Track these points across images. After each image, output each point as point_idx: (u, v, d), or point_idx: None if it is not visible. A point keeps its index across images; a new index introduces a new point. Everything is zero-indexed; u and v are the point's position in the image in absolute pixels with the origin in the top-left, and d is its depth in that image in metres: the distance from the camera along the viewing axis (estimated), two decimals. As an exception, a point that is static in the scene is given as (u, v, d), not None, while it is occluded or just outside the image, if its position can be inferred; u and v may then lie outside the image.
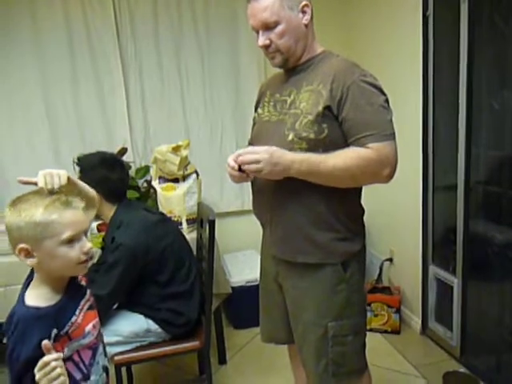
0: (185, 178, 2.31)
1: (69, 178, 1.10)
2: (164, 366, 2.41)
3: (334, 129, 1.28)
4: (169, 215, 2.18)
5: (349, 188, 1.33)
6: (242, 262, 2.93)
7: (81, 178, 1.78)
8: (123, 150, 2.65)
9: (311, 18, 1.35)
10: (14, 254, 1.03)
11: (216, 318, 2.33)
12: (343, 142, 1.28)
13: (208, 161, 2.93)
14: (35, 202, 1.00)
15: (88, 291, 1.15)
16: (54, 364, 0.91)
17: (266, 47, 1.34)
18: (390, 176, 1.28)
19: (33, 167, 2.76)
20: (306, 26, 1.33)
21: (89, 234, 2.05)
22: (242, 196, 3.09)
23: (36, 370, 0.91)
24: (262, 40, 1.32)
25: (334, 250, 1.36)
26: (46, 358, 0.91)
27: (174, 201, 2.27)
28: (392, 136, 1.27)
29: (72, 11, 2.69)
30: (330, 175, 1.26)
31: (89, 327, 1.09)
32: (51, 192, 1.03)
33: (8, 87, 2.69)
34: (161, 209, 2.31)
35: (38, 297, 1.04)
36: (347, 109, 1.26)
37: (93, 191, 1.25)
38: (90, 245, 1.03)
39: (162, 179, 2.34)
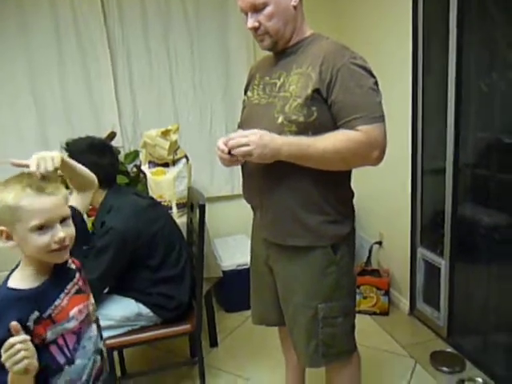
0: (175, 162, 2.30)
1: (63, 161, 1.08)
2: (155, 349, 2.43)
3: (323, 112, 1.28)
4: (159, 200, 2.17)
5: (338, 171, 1.34)
6: (232, 247, 2.94)
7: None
8: (112, 135, 2.61)
9: (300, 0, 1.33)
10: None
11: (207, 301, 2.35)
12: (333, 125, 1.28)
13: (198, 145, 2.92)
14: (13, 185, 0.99)
15: (77, 275, 1.14)
16: (18, 346, 0.89)
17: (255, 29, 1.32)
18: (380, 158, 1.29)
19: (20, 153, 2.73)
20: (295, 7, 1.32)
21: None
22: (232, 181, 3.08)
23: (2, 351, 0.90)
24: (251, 22, 1.31)
25: (323, 233, 1.37)
26: (11, 340, 0.90)
27: (163, 185, 2.26)
28: (381, 118, 1.27)
29: (59, 4, 2.63)
30: (319, 158, 1.26)
31: (74, 311, 1.08)
32: (43, 176, 1.01)
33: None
34: (151, 193, 2.30)
35: (20, 279, 1.03)
36: (336, 91, 1.25)
37: (92, 174, 1.23)
38: (62, 234, 1.00)
39: (152, 164, 2.33)
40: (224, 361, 2.32)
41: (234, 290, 2.71)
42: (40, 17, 2.63)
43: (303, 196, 1.34)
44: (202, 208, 1.81)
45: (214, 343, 2.46)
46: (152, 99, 2.87)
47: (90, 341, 1.13)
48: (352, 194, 1.45)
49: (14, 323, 0.92)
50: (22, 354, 0.89)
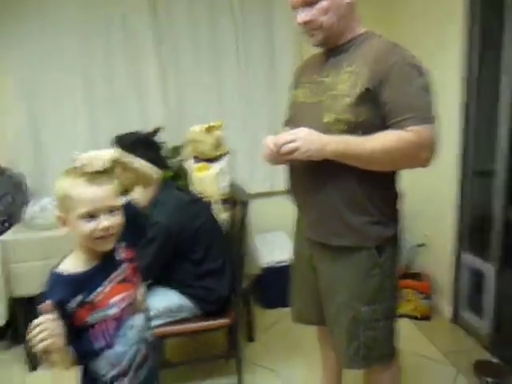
0: (218, 158, 2.32)
1: (118, 159, 1.12)
2: (194, 341, 2.48)
3: (373, 111, 1.25)
4: (201, 195, 2.21)
5: (385, 172, 1.31)
6: (271, 243, 2.95)
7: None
8: (157, 130, 2.66)
9: None
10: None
11: (245, 297, 2.37)
12: (382, 125, 1.25)
13: (240, 141, 2.93)
14: (70, 176, 1.06)
15: (124, 265, 1.18)
16: (40, 328, 0.93)
17: (306, 24, 1.30)
18: (429, 160, 1.26)
19: (72, 142, 2.86)
20: (350, 4, 1.30)
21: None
22: (272, 177, 3.08)
23: (30, 328, 0.94)
24: (302, 16, 1.29)
25: (367, 234, 1.35)
26: (35, 321, 0.94)
27: (206, 181, 2.29)
28: (432, 119, 1.24)
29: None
30: (367, 157, 1.24)
31: (115, 299, 1.12)
32: (90, 178, 1.06)
33: (48, 63, 2.75)
34: (193, 188, 2.34)
35: (70, 263, 1.11)
36: (388, 91, 1.23)
37: (152, 169, 1.25)
38: (106, 223, 1.05)
39: (195, 159, 2.36)
40: (260, 356, 2.34)
41: (272, 286, 2.72)
42: (93, 11, 2.73)
43: (348, 196, 1.32)
44: (245, 205, 1.83)
45: (250, 338, 2.48)
46: (197, 95, 2.91)
47: (132, 330, 1.17)
48: (398, 196, 1.42)
49: (44, 304, 0.96)
50: (43, 335, 0.92)
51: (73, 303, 1.04)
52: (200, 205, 1.98)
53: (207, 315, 1.93)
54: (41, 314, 0.96)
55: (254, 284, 2.58)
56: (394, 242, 1.41)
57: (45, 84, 2.78)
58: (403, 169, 1.35)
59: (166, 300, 1.87)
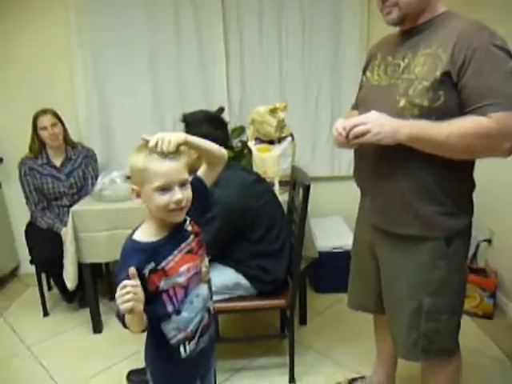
0: (280, 140, 2.32)
1: (186, 141, 1.16)
2: (248, 319, 2.52)
3: (450, 96, 1.19)
4: (263, 176, 2.22)
5: (461, 159, 1.25)
6: (327, 228, 2.93)
7: (186, 133, 1.87)
8: (220, 110, 2.69)
9: None
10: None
11: (301, 280, 2.37)
12: (459, 111, 1.19)
13: (302, 124, 2.92)
14: (142, 151, 1.12)
15: (191, 237, 1.24)
16: (128, 289, 0.99)
17: (383, 1, 1.25)
18: (509, 150, 1.18)
19: (136, 122, 2.98)
20: None
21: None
22: (333, 162, 3.05)
23: (117, 289, 1.01)
24: None
25: (436, 224, 1.30)
26: (125, 282, 1.01)
27: (268, 162, 2.30)
28: None
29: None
30: (443, 144, 1.18)
31: (183, 268, 1.18)
32: (161, 153, 1.10)
33: (118, 44, 2.86)
34: (255, 169, 2.35)
35: (143, 233, 1.18)
36: (469, 74, 1.15)
37: (220, 150, 1.28)
38: (180, 196, 1.10)
39: (258, 140, 2.37)
40: (312, 339, 2.35)
41: (327, 271, 2.72)
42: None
43: (418, 183, 1.28)
44: (307, 188, 1.81)
45: (303, 321, 2.49)
46: (260, 77, 2.91)
47: (198, 298, 1.23)
48: (473, 186, 1.36)
49: (131, 269, 1.03)
50: (130, 295, 0.99)
51: (146, 269, 1.11)
52: (263, 185, 1.99)
53: (262, 295, 1.95)
54: (119, 279, 1.04)
55: (309, 268, 2.58)
56: (464, 234, 1.35)
57: (113, 66, 2.90)
58: (481, 157, 1.28)
59: (223, 277, 1.91)
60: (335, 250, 2.69)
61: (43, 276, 2.77)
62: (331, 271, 2.67)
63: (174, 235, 1.19)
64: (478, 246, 2.64)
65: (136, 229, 1.21)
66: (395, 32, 1.39)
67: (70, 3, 2.79)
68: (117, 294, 1.01)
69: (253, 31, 2.85)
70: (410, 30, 1.30)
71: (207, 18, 2.81)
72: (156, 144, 1.10)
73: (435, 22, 1.26)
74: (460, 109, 1.19)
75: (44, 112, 2.60)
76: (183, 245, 1.20)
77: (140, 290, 1.03)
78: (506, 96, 1.14)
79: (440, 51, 1.20)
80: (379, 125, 1.19)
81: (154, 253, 1.14)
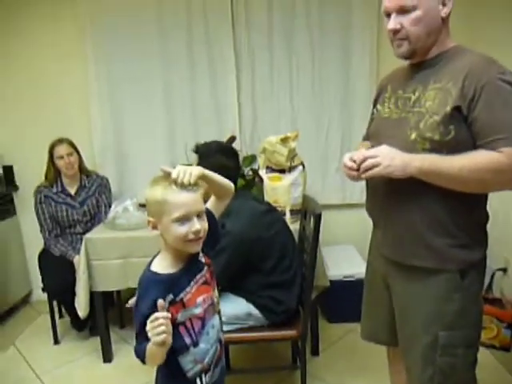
0: (291, 169, 2.34)
1: (203, 174, 1.18)
2: (259, 349, 2.49)
3: (461, 130, 1.20)
4: (274, 205, 2.23)
5: (476, 194, 1.25)
6: (339, 256, 2.91)
7: (198, 164, 1.90)
8: (232, 139, 2.75)
9: (449, 12, 1.25)
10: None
11: (312, 309, 2.35)
12: (471, 146, 1.20)
13: (312, 153, 2.94)
14: (162, 183, 1.14)
15: (205, 268, 1.25)
16: (161, 321, 1.01)
17: (395, 33, 1.27)
18: None
19: (150, 148, 3.04)
20: (443, 19, 1.25)
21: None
22: (344, 190, 3.05)
23: (148, 321, 1.03)
24: (393, 24, 1.25)
25: (450, 257, 1.29)
26: (157, 314, 1.02)
27: (279, 191, 2.32)
28: None
29: (194, 7, 2.85)
30: (455, 177, 1.19)
31: (200, 299, 1.19)
32: (181, 185, 1.13)
33: (134, 73, 2.94)
34: (266, 198, 2.37)
35: (160, 264, 1.19)
36: (479, 109, 1.17)
37: (229, 184, 1.31)
38: (198, 226, 1.12)
39: (269, 169, 2.39)
40: (324, 371, 2.31)
41: (339, 300, 2.68)
42: (176, 27, 2.87)
43: (430, 216, 1.27)
44: (318, 217, 1.82)
45: (315, 352, 2.45)
46: (271, 107, 2.97)
47: (214, 329, 1.24)
48: (486, 218, 1.35)
49: (161, 301, 1.05)
50: (163, 328, 1.01)
51: (166, 301, 1.11)
52: (274, 215, 2.00)
53: (274, 325, 1.93)
54: (140, 311, 1.07)
55: (319, 297, 2.55)
56: (479, 266, 1.33)
57: (128, 97, 2.98)
58: (493, 191, 1.28)
59: (234, 307, 1.90)
60: (347, 279, 2.67)
61: (55, 303, 2.78)
62: (343, 300, 2.64)
63: (190, 266, 1.21)
64: (493, 276, 2.60)
65: (152, 260, 1.22)
66: (405, 65, 1.41)
67: (87, 36, 2.89)
68: (148, 326, 1.03)
69: (264, 64, 2.92)
70: (420, 63, 1.32)
71: (219, 51, 2.89)
72: (178, 176, 1.12)
73: (445, 56, 1.28)
74: (471, 143, 1.20)
75: (60, 141, 2.67)
76: (198, 276, 1.22)
77: (170, 323, 1.04)
78: None
79: (450, 86, 1.22)
80: (390, 158, 1.20)
81: (172, 284, 1.15)
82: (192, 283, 1.19)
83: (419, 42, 1.26)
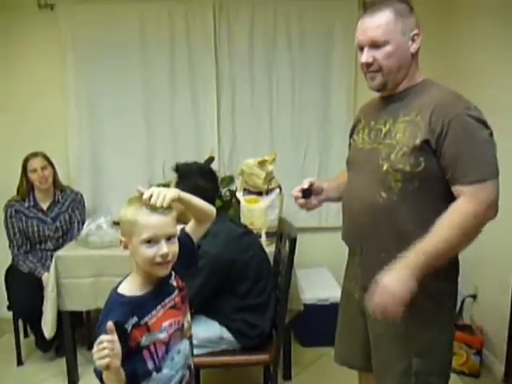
0: (268, 192, 2.35)
1: (179, 197, 1.18)
2: (230, 373, 2.45)
3: (431, 162, 1.24)
4: (250, 227, 2.23)
5: (448, 223, 1.27)
6: (313, 279, 2.91)
7: (177, 184, 1.90)
8: (211, 159, 2.75)
9: (419, 48, 1.31)
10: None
11: (285, 333, 2.33)
12: (440, 176, 1.24)
13: (290, 176, 2.94)
14: (133, 203, 1.14)
15: (176, 292, 1.23)
16: (104, 345, 0.98)
17: (368, 66, 1.31)
18: (495, 215, 1.23)
19: (128, 165, 3.01)
20: (413, 55, 1.30)
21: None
22: (320, 213, 3.08)
23: (94, 345, 1.00)
24: (366, 57, 1.30)
25: (424, 285, 1.30)
26: (101, 337, 1.00)
27: (256, 213, 2.32)
28: (494, 174, 1.21)
29: (176, 29, 2.89)
30: (448, 250, 1.21)
31: (165, 324, 1.17)
32: (152, 207, 1.12)
33: (114, 89, 2.94)
34: (242, 219, 2.37)
35: (127, 286, 1.18)
36: (447, 143, 1.21)
37: (209, 208, 1.30)
38: (166, 250, 1.11)
39: (247, 191, 2.40)
40: (296, 396, 2.29)
41: (313, 324, 2.67)
42: (159, 42, 2.90)
43: (406, 246, 1.29)
44: (293, 241, 1.83)
45: (287, 376, 2.43)
46: (250, 129, 3.00)
47: (179, 354, 1.21)
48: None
49: (109, 324, 1.01)
50: (106, 352, 0.98)
51: (129, 324, 1.10)
52: (251, 238, 2.00)
53: (246, 349, 1.91)
54: (100, 331, 1.04)
55: (294, 321, 2.54)
56: (452, 294, 1.37)
57: (107, 112, 2.96)
58: (478, 232, 1.27)
59: (207, 330, 1.88)
60: (321, 303, 2.67)
61: (20, 322, 2.67)
62: (317, 324, 2.63)
63: (159, 290, 1.19)
64: (463, 302, 2.64)
65: (121, 281, 1.20)
66: (378, 97, 1.45)
67: (67, 51, 2.88)
68: (94, 350, 1.00)
69: (244, 86, 2.95)
70: (391, 96, 1.36)
71: (201, 69, 2.92)
72: (150, 197, 1.11)
73: (414, 90, 1.33)
74: (442, 174, 1.24)
75: (35, 155, 2.62)
76: (167, 300, 1.20)
77: (117, 346, 1.01)
78: (481, 165, 1.20)
79: (418, 119, 1.26)
80: (389, 292, 1.20)
81: (137, 307, 1.13)
82: (159, 307, 1.17)
83: (391, 74, 1.30)
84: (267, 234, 2.33)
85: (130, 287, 1.17)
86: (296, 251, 2.60)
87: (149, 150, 3.01)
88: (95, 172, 3.02)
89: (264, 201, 2.33)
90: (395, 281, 1.20)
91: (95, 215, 2.60)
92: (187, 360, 1.25)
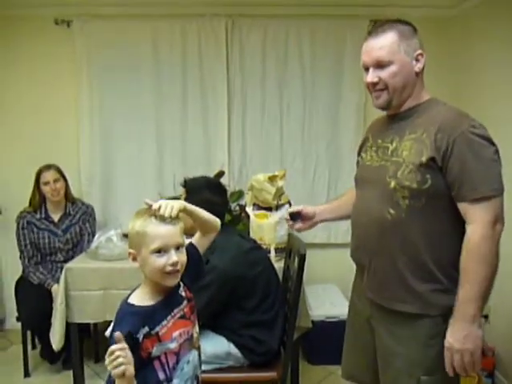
0: (278, 207, 2.35)
1: (185, 208, 1.21)
2: (237, 390, 2.42)
3: (437, 179, 1.25)
4: (259, 242, 2.23)
5: (457, 238, 1.27)
6: (321, 296, 2.89)
7: (186, 198, 1.91)
8: (220, 173, 2.78)
9: (423, 67, 1.33)
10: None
11: (293, 351, 2.31)
12: (447, 192, 1.25)
13: (299, 192, 2.97)
14: (141, 215, 1.16)
15: (185, 302, 1.25)
16: (117, 353, 0.99)
17: (374, 85, 1.34)
18: (502, 229, 1.24)
19: (139, 179, 3.03)
20: (417, 74, 1.32)
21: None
22: (329, 229, 3.07)
23: (106, 356, 1.01)
24: (372, 77, 1.33)
25: (434, 302, 1.30)
26: (112, 347, 1.00)
27: (265, 229, 2.32)
28: (499, 191, 1.22)
29: (189, 45, 2.94)
30: (486, 286, 1.23)
31: (176, 334, 1.19)
32: (161, 218, 1.14)
33: (127, 105, 2.98)
34: (252, 235, 2.37)
35: (137, 296, 1.19)
36: (452, 161, 1.22)
37: (214, 220, 1.33)
38: (175, 258, 1.13)
39: (256, 206, 2.41)
40: (304, 415, 2.25)
41: (321, 341, 2.65)
42: (171, 60, 2.94)
43: (416, 262, 1.30)
44: (303, 257, 1.82)
45: (295, 395, 2.39)
46: (261, 145, 3.02)
47: (189, 365, 1.22)
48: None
49: (117, 333, 1.02)
50: (121, 360, 0.99)
51: (140, 334, 1.11)
52: (259, 253, 2.00)
53: (254, 366, 1.89)
54: (111, 342, 1.04)
55: (302, 338, 2.51)
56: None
57: (119, 126, 3.00)
58: (497, 248, 1.28)
59: (214, 346, 1.86)
60: (329, 320, 2.64)
61: (28, 333, 2.68)
62: (325, 341, 2.60)
63: (168, 300, 1.20)
64: (474, 322, 2.60)
65: (131, 292, 1.22)
66: (385, 115, 1.47)
67: (82, 68, 2.94)
68: (106, 361, 1.00)
69: (255, 104, 2.99)
70: (397, 115, 1.38)
71: (212, 86, 2.96)
72: (158, 208, 1.13)
73: (420, 108, 1.34)
74: (447, 191, 1.25)
75: (48, 167, 2.66)
76: (176, 310, 1.21)
77: (129, 353, 1.02)
78: (487, 183, 1.20)
79: (424, 137, 1.27)
80: (464, 345, 1.22)
81: (148, 317, 1.14)
82: (169, 317, 1.18)
83: (396, 93, 1.32)
84: (276, 249, 2.32)
85: (141, 298, 1.18)
86: (305, 268, 2.61)
87: (159, 164, 3.04)
88: (106, 185, 3.05)
89: (273, 216, 2.33)
90: (463, 338, 1.22)
91: (106, 228, 2.61)
92: (196, 371, 1.26)
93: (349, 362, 1.60)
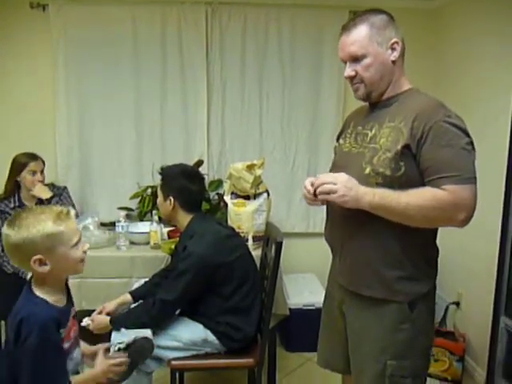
0: (256, 196, 2.37)
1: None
2: (214, 376, 2.45)
3: (411, 167, 1.27)
4: (237, 230, 2.24)
5: (427, 228, 1.30)
6: (300, 285, 2.93)
7: (162, 186, 1.90)
8: (199, 162, 2.77)
9: (401, 55, 1.35)
10: (25, 267, 1.24)
11: (270, 338, 2.34)
12: (420, 181, 1.27)
13: (278, 181, 2.98)
14: (39, 217, 1.17)
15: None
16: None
17: (351, 78, 1.37)
18: (466, 221, 1.25)
19: (115, 170, 2.97)
20: (394, 62, 1.34)
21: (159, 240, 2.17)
22: (308, 219, 3.10)
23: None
24: (348, 71, 1.36)
25: (399, 289, 1.34)
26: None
27: (243, 217, 2.33)
28: (471, 180, 1.24)
29: (168, 32, 2.89)
30: (401, 212, 1.25)
31: (72, 333, 1.32)
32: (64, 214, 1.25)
33: (105, 91, 2.93)
34: (230, 223, 2.38)
35: (50, 300, 1.26)
36: (426, 148, 1.25)
37: None
38: (88, 245, 1.32)
39: (234, 195, 2.41)
40: (280, 401, 2.29)
41: (298, 329, 2.69)
42: (151, 47, 2.89)
43: (383, 248, 1.33)
44: (279, 245, 1.84)
45: (272, 381, 2.41)
46: (240, 133, 3.01)
47: (72, 362, 1.31)
48: (436, 252, 1.41)
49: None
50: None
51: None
52: (237, 240, 2.00)
53: (231, 352, 1.91)
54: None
55: (279, 325, 2.54)
56: (427, 298, 1.38)
57: (97, 113, 2.94)
58: (439, 226, 1.35)
59: (191, 333, 1.87)
60: (306, 308, 2.68)
61: (2, 324, 2.64)
62: (302, 329, 2.65)
63: (69, 299, 1.34)
64: (446, 309, 2.68)
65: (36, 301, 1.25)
66: (367, 104, 1.48)
67: (58, 52, 2.86)
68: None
69: (235, 91, 2.97)
70: (378, 103, 1.41)
71: (192, 74, 2.93)
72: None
73: (400, 97, 1.37)
74: (420, 179, 1.27)
75: (34, 157, 2.59)
76: (72, 309, 1.35)
77: None
78: (459, 170, 1.22)
79: (402, 125, 1.30)
80: (347, 188, 1.26)
81: (63, 317, 1.27)
82: (71, 316, 1.32)
83: (373, 85, 1.35)
84: (254, 237, 2.34)
85: (54, 301, 1.25)
86: (283, 256, 2.63)
87: (138, 152, 3.00)
88: (83, 173, 3.00)
89: (251, 205, 2.34)
90: (354, 183, 1.27)
91: (82, 216, 2.58)
92: (76, 368, 1.37)
93: (324, 350, 1.64)
